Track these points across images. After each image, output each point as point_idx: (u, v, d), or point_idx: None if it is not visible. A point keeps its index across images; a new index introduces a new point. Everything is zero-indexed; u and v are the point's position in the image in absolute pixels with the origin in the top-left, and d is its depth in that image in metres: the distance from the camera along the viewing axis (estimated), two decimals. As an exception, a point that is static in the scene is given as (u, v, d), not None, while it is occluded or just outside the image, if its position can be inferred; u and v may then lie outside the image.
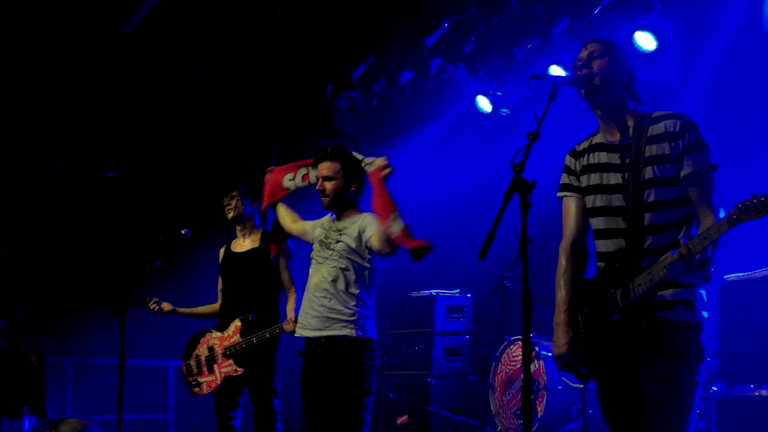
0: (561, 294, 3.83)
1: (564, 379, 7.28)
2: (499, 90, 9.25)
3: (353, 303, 4.94)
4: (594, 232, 3.79)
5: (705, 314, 3.59)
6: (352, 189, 5.12)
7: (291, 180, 5.49)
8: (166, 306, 6.56)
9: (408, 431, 8.48)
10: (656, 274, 3.42)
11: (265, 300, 6.21)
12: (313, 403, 4.99)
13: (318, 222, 5.27)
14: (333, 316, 4.93)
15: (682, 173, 3.55)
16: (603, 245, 3.72)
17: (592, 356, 3.68)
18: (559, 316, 3.78)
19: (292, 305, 6.10)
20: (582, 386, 7.03)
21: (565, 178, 3.92)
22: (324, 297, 4.98)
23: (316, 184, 5.19)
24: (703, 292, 3.61)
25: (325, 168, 5.11)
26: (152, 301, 6.56)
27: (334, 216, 5.19)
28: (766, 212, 3.13)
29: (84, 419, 3.21)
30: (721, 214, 3.47)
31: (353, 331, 4.90)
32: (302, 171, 5.45)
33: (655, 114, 3.66)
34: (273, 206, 5.60)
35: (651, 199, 3.57)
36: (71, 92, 9.26)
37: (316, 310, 5.00)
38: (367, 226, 4.99)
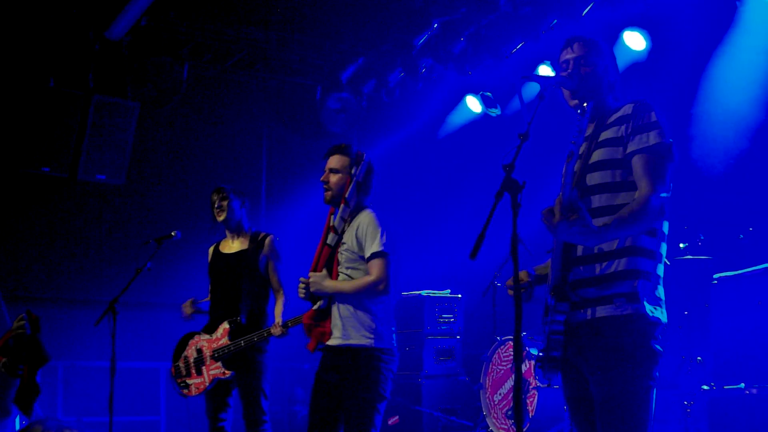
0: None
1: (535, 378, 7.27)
2: (488, 90, 9.26)
3: (371, 311, 4.88)
4: None
5: (652, 308, 3.44)
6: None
7: None
8: (189, 310, 6.48)
9: (399, 432, 8.49)
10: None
11: (254, 302, 6.18)
12: (323, 404, 4.92)
13: None
14: (352, 325, 4.87)
15: (627, 150, 3.49)
16: None
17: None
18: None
19: (280, 308, 6.08)
20: (547, 385, 6.99)
21: None
22: (341, 305, 4.92)
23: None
24: (660, 288, 3.51)
25: (334, 161, 5.04)
26: (188, 304, 6.48)
27: (336, 214, 5.03)
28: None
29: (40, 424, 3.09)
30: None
31: (372, 341, 4.84)
32: None
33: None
34: None
35: (592, 182, 3.54)
36: None
37: (337, 318, 4.93)
38: (366, 237, 4.91)
